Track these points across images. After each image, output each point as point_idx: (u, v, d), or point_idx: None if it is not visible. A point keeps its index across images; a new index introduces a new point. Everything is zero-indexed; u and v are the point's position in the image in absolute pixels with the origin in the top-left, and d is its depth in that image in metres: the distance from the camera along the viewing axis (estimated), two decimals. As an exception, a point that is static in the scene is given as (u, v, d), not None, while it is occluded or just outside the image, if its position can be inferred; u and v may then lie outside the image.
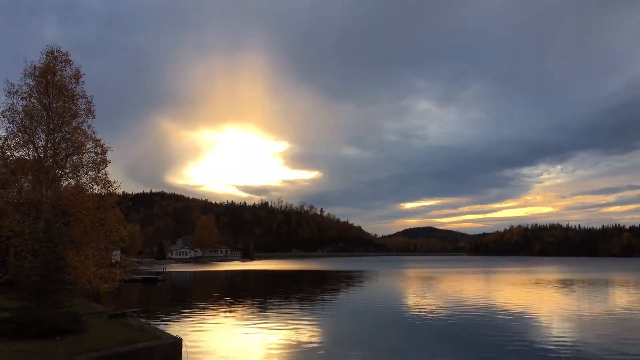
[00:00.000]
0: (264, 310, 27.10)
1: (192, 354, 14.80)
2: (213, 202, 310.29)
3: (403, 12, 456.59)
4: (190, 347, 14.98)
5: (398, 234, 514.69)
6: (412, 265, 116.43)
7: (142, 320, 18.72)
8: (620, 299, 35.52)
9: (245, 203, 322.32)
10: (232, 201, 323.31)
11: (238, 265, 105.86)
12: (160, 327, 18.42)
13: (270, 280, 59.62)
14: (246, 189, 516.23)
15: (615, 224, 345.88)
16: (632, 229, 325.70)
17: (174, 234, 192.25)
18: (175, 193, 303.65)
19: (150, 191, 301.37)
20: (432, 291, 41.07)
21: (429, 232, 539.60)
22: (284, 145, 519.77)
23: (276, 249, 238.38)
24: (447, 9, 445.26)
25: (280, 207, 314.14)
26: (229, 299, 33.38)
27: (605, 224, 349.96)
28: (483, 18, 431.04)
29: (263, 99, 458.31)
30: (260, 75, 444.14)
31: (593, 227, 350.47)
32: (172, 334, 15.03)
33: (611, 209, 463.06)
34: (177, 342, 13.94)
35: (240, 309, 27.82)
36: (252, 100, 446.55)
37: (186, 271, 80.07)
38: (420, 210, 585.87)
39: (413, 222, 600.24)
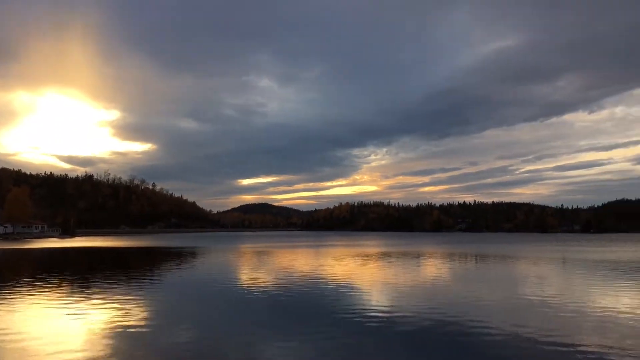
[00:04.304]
0: (85, 291, 25.08)
1: (-4, 342, 13.18)
2: (28, 173, 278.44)
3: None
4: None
5: (234, 209, 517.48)
6: (246, 240, 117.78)
7: None
8: (430, 269, 40.03)
9: (67, 175, 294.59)
10: (51, 172, 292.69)
11: (56, 243, 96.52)
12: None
13: (93, 258, 55.54)
14: (69, 160, 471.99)
15: (428, 203, 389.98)
16: (441, 207, 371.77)
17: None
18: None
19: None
20: (264, 266, 41.92)
21: (264, 209, 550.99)
22: (114, 114, 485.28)
23: (102, 225, 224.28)
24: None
25: (108, 180, 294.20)
26: (43, 280, 30.21)
27: (420, 203, 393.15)
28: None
29: (92, 62, 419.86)
30: (91, 36, 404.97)
31: (410, 205, 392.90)
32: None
33: (426, 189, 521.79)
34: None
35: (56, 290, 25.34)
36: (79, 63, 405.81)
37: (-8, 249, 70.97)
38: (257, 187, 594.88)
39: (249, 198, 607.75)
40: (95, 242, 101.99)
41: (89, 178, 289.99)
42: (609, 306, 20.26)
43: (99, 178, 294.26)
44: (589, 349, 13.13)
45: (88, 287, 26.65)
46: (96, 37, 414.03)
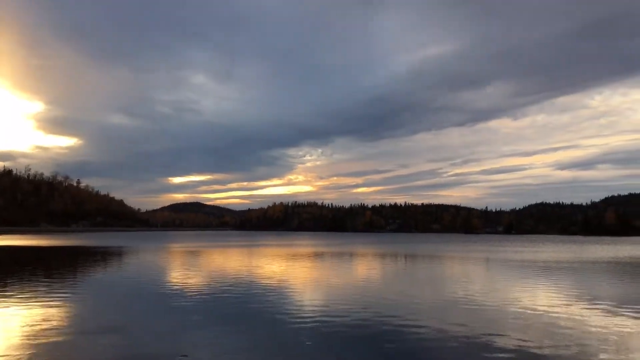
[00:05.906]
0: (2, 292, 23.54)
1: None
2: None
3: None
4: None
5: (164, 208, 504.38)
6: (176, 239, 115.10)
7: None
8: (361, 269, 40.75)
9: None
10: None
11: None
12: None
13: (11, 257, 52.29)
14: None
15: (361, 204, 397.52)
16: (374, 208, 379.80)
17: None
18: None
19: None
20: (193, 266, 40.95)
21: (196, 208, 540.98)
22: (38, 106, 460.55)
23: (21, 223, 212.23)
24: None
25: (28, 176, 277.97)
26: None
27: (353, 203, 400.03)
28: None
29: (17, 51, 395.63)
30: (16, 23, 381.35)
31: (343, 206, 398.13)
32: None
33: (359, 190, 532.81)
34: None
35: (-32, 293, 23.62)
36: (2, 51, 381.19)
37: None
38: (189, 185, 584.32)
39: (181, 197, 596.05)
40: (14, 240, 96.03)
41: (7, 173, 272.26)
42: (528, 304, 21.41)
43: (18, 173, 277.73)
44: (510, 345, 13.79)
45: (3, 290, 24.98)
46: (22, 25, 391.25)
